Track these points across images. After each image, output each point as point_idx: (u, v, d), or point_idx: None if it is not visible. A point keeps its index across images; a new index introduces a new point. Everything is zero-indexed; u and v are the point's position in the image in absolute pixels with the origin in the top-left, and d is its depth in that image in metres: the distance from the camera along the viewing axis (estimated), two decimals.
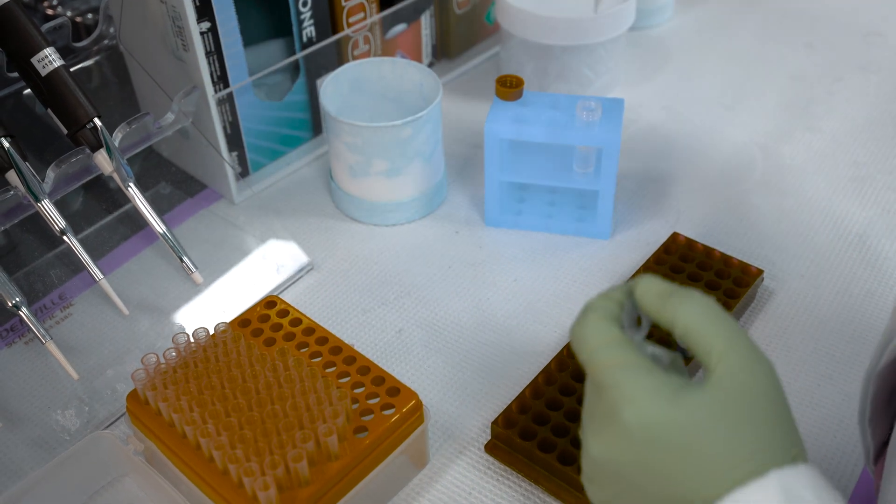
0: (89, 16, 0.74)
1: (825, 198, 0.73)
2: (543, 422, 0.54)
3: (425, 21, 0.84)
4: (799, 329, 0.62)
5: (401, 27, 0.82)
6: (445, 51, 0.89)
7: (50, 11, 0.76)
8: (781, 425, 0.36)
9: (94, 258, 0.59)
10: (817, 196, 0.73)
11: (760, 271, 0.63)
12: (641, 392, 0.36)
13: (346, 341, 0.56)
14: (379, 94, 0.74)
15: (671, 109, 0.84)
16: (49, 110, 0.59)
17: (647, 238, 0.70)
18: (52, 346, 0.56)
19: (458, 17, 0.87)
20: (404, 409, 0.50)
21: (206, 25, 0.65)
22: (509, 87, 0.66)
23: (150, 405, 0.51)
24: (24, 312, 0.56)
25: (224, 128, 0.71)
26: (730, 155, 0.78)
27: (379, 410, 0.50)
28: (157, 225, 0.62)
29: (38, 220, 0.59)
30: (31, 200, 0.57)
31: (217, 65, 0.67)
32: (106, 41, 0.71)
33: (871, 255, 0.67)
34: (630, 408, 0.36)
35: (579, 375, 0.56)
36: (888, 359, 0.41)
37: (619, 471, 0.37)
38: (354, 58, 0.78)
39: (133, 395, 0.51)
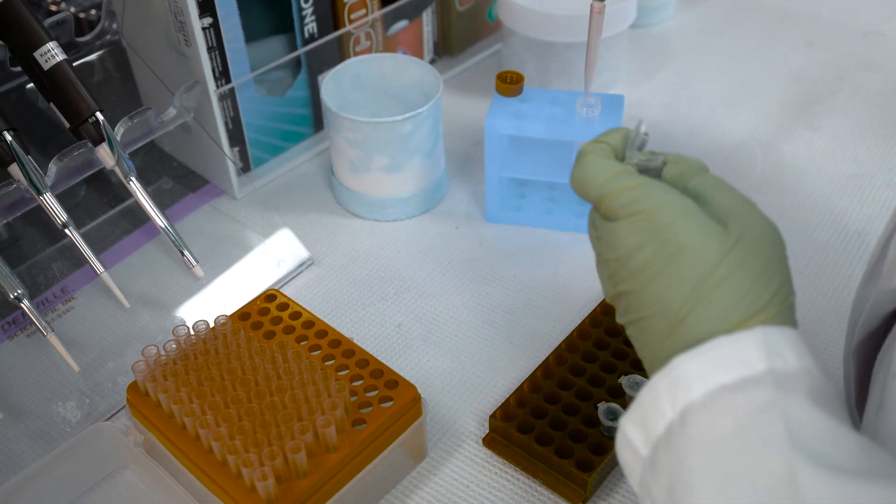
0: (92, 11, 0.75)
1: (825, 195, 0.73)
2: (541, 415, 0.54)
3: (427, 18, 0.85)
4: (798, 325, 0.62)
5: (402, 24, 0.82)
6: (447, 48, 0.89)
7: (53, 7, 0.76)
8: (781, 283, 0.37)
9: (96, 252, 0.59)
10: (817, 194, 0.73)
11: None
12: (672, 200, 0.38)
13: (346, 335, 0.56)
14: (380, 91, 0.74)
15: (671, 107, 0.84)
16: (51, 104, 0.59)
17: None
18: (53, 339, 0.56)
19: (460, 14, 0.87)
20: (402, 402, 0.51)
21: (208, 21, 0.65)
22: (509, 83, 0.66)
23: (150, 397, 0.51)
24: (25, 304, 0.56)
25: (226, 123, 0.71)
26: (730, 152, 0.78)
27: (377, 403, 0.51)
28: (159, 219, 0.62)
29: (41, 214, 0.60)
30: (34, 193, 0.57)
31: (219, 60, 0.68)
32: (108, 36, 0.71)
33: (869, 251, 0.67)
34: (661, 211, 0.38)
35: (578, 370, 0.56)
36: (860, 335, 0.42)
37: (632, 286, 0.38)
38: (356, 54, 0.79)
39: (133, 387, 0.52)
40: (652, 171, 0.42)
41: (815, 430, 0.33)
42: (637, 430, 0.37)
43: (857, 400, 0.45)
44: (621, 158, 0.43)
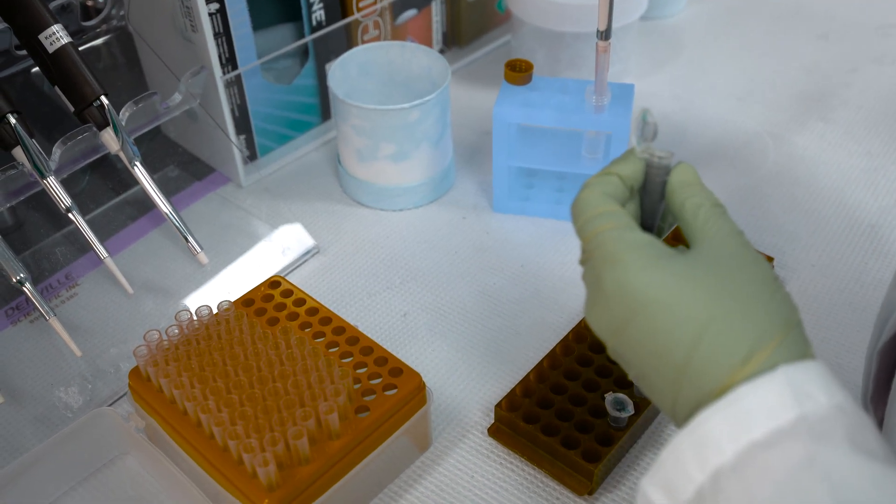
0: None
1: (837, 188, 0.72)
2: (547, 406, 0.53)
3: (436, 7, 0.84)
4: (809, 318, 0.61)
5: (411, 13, 0.82)
6: (456, 38, 0.89)
7: None
8: (780, 304, 0.35)
9: (101, 239, 0.59)
10: (829, 186, 0.72)
11: (771, 259, 0.62)
12: (624, 253, 0.36)
13: (351, 324, 0.56)
14: (387, 79, 0.74)
15: (682, 99, 0.83)
16: (56, 88, 0.58)
17: None
18: (55, 323, 0.56)
19: (470, 4, 0.86)
20: (407, 390, 0.50)
21: (214, 6, 0.65)
22: (518, 72, 0.66)
23: (151, 382, 0.50)
24: (27, 288, 0.56)
25: (232, 111, 0.70)
26: (741, 144, 0.77)
27: (381, 391, 0.50)
28: (163, 204, 0.61)
29: (45, 199, 0.59)
30: (37, 177, 0.57)
31: (225, 46, 0.67)
32: (114, 21, 0.71)
33: (882, 245, 0.66)
34: (612, 269, 0.36)
35: (585, 360, 0.55)
36: (889, 335, 0.41)
37: (617, 344, 0.37)
38: (364, 43, 0.78)
39: (135, 373, 0.51)
40: (661, 171, 0.40)
41: (860, 484, 0.30)
42: (661, 494, 0.35)
43: (874, 395, 0.44)
44: (634, 187, 0.40)
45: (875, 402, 0.44)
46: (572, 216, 0.40)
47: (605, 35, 0.60)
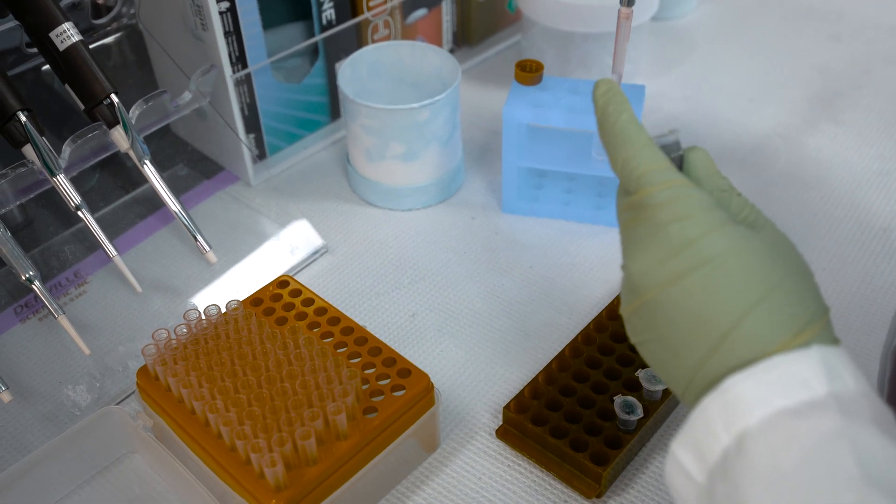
0: None
1: (849, 191, 0.72)
2: (556, 408, 0.53)
3: (446, 7, 0.84)
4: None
5: (421, 12, 0.81)
6: (466, 38, 0.88)
7: None
8: (818, 295, 0.36)
9: (110, 237, 0.59)
10: (841, 189, 0.72)
11: None
12: (696, 209, 0.36)
13: (359, 323, 0.55)
14: (397, 79, 0.74)
15: (693, 100, 0.83)
16: (66, 86, 0.58)
17: None
18: (64, 321, 0.56)
19: (480, 3, 0.86)
20: (415, 391, 0.50)
21: (225, 5, 0.65)
22: (529, 72, 0.65)
23: (159, 381, 0.50)
24: (37, 286, 0.56)
25: (242, 109, 0.70)
26: (752, 146, 0.77)
27: (389, 391, 0.50)
28: (172, 203, 0.61)
29: (55, 197, 0.59)
30: (47, 175, 0.57)
31: (236, 45, 0.67)
32: (125, 19, 0.71)
33: (895, 248, 0.66)
34: (681, 223, 0.36)
35: (594, 362, 0.55)
36: None
37: (659, 298, 0.36)
38: (374, 42, 0.78)
39: (143, 371, 0.51)
40: (668, 149, 0.40)
41: (887, 461, 0.31)
42: (690, 456, 0.35)
43: (889, 397, 0.43)
44: None
45: (890, 404, 0.43)
46: (624, 164, 0.39)
47: (628, 1, 0.58)
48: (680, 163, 0.41)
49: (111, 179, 0.72)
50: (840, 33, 0.91)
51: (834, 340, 0.35)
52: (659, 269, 0.36)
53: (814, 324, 0.34)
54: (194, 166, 0.75)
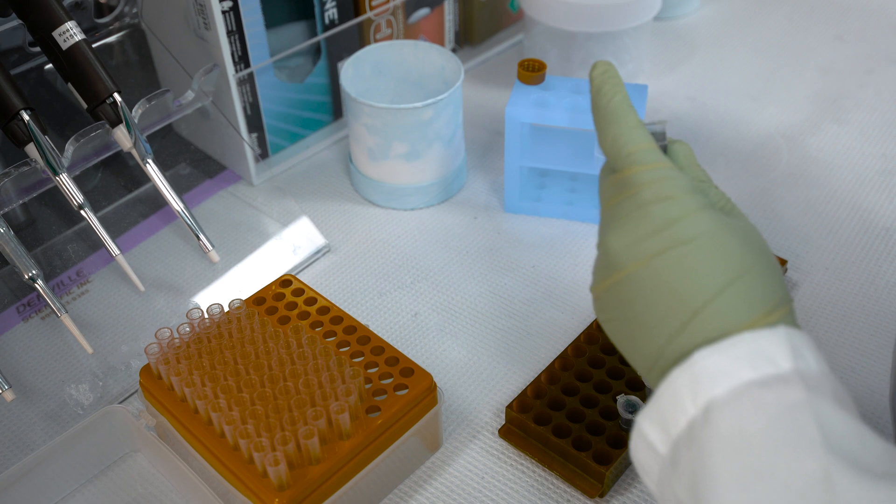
0: None
1: (852, 190, 0.71)
2: (559, 407, 0.53)
3: (449, 6, 0.84)
4: (823, 321, 0.61)
5: (424, 12, 0.81)
6: (468, 37, 0.88)
7: None
8: (784, 289, 0.37)
9: (112, 236, 0.59)
10: (844, 188, 0.72)
11: (784, 262, 0.62)
12: (680, 192, 0.37)
13: (362, 323, 0.55)
14: (400, 78, 0.74)
15: (696, 100, 0.83)
16: (69, 85, 0.58)
17: None
18: (67, 320, 0.56)
19: (482, 3, 0.86)
20: (418, 390, 0.50)
21: (227, 4, 0.65)
22: (531, 71, 0.65)
23: (162, 380, 0.50)
24: (40, 285, 0.56)
25: (244, 108, 0.70)
26: (755, 146, 0.77)
27: (392, 391, 0.50)
28: (175, 202, 0.61)
29: (57, 196, 0.59)
30: (49, 174, 0.57)
31: (238, 44, 0.67)
32: (127, 19, 0.71)
33: None
34: (663, 203, 0.37)
35: (596, 362, 0.55)
36: None
37: (636, 274, 0.37)
38: (376, 41, 0.78)
39: (146, 370, 0.51)
40: (655, 137, 0.42)
41: (847, 434, 0.32)
42: (655, 428, 0.36)
43: None
44: None
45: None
46: (613, 141, 0.40)
47: None
48: (664, 152, 0.42)
49: (114, 178, 0.72)
50: (843, 33, 0.91)
51: (797, 326, 0.36)
52: (639, 246, 0.37)
53: (782, 308, 0.36)
54: (196, 165, 0.75)
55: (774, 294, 0.36)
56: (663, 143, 0.42)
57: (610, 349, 0.56)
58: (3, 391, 0.54)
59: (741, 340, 0.34)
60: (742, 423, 0.33)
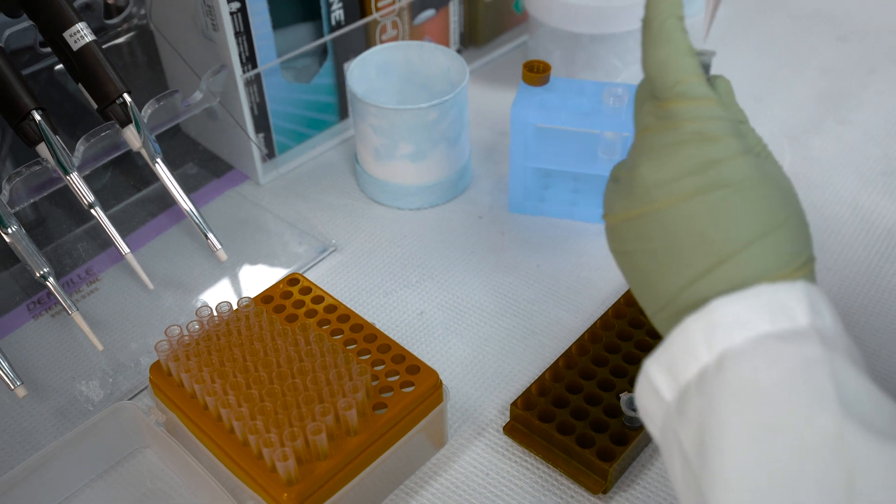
0: None
1: (854, 191, 0.72)
2: (563, 405, 0.53)
3: (454, 8, 0.84)
4: None
5: (429, 13, 0.82)
6: (473, 38, 0.89)
7: None
8: (811, 246, 0.37)
9: (122, 234, 0.60)
10: (846, 189, 0.72)
11: None
12: (724, 133, 0.36)
13: (368, 321, 0.56)
14: (406, 79, 0.74)
15: None
16: (80, 85, 0.59)
17: None
18: (77, 317, 0.56)
19: (487, 4, 0.87)
20: (424, 388, 0.50)
21: (235, 5, 0.65)
22: (536, 73, 0.66)
23: (172, 377, 0.51)
24: (51, 283, 0.56)
25: (251, 109, 0.71)
26: None
27: (398, 388, 0.50)
28: (184, 202, 0.62)
29: (67, 195, 0.60)
30: (60, 173, 0.57)
31: (246, 45, 0.68)
32: (136, 20, 0.71)
33: None
34: (706, 144, 0.36)
35: (600, 360, 0.56)
36: None
37: (666, 210, 0.36)
38: (382, 42, 0.78)
39: (156, 367, 0.52)
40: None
41: (861, 393, 0.32)
42: (663, 374, 0.35)
43: None
44: None
45: None
46: (661, 66, 0.38)
47: None
48: None
49: (123, 178, 0.73)
50: (846, 33, 0.92)
51: (815, 281, 0.36)
52: (675, 183, 0.36)
53: (808, 265, 0.35)
54: (204, 165, 0.76)
55: (804, 250, 0.35)
56: (707, 77, 0.40)
57: (614, 348, 0.56)
58: (14, 388, 0.54)
59: (761, 292, 0.34)
60: (757, 375, 0.32)
